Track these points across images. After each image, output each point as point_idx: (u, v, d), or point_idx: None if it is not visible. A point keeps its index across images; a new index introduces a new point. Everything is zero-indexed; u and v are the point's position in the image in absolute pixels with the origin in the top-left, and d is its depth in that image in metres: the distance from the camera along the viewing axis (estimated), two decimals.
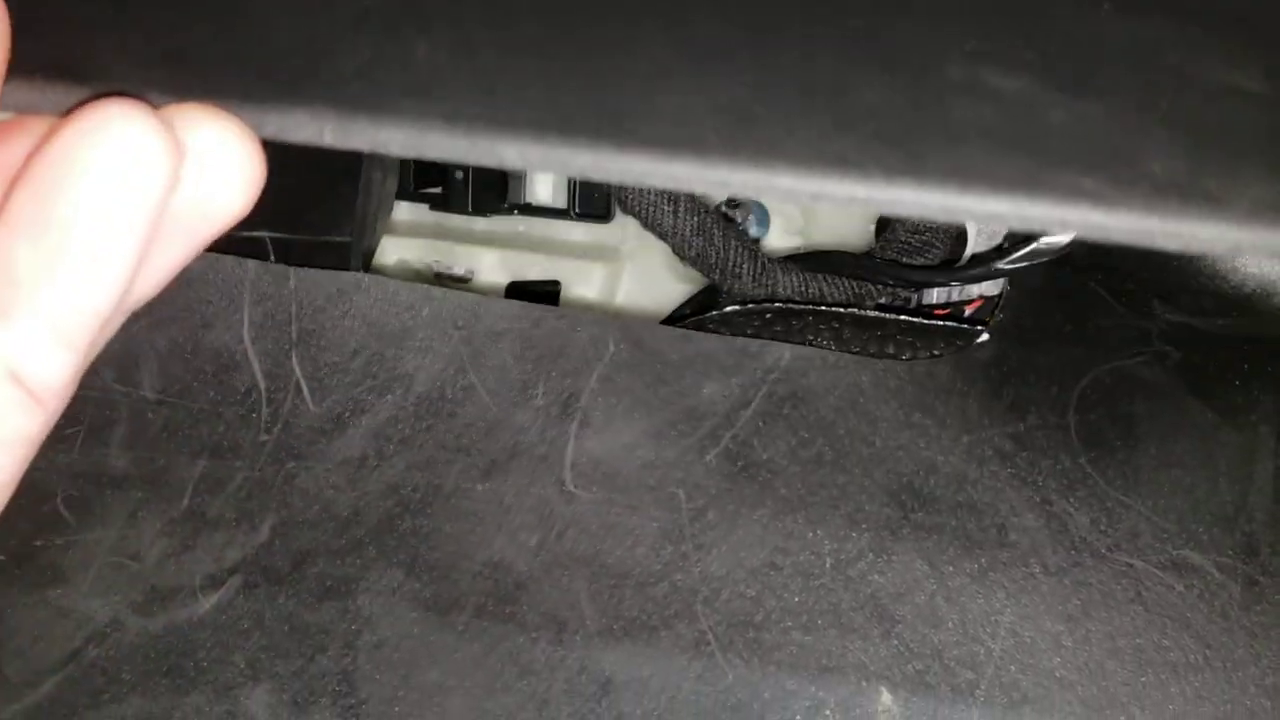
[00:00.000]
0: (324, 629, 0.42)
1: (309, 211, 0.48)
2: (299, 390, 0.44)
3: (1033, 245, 0.42)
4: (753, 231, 0.64)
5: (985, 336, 0.44)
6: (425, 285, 0.43)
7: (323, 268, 0.44)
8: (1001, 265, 0.43)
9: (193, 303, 0.43)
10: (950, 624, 0.41)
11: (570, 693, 0.40)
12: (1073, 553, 0.41)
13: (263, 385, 0.44)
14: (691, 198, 0.51)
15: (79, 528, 0.43)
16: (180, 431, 0.43)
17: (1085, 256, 0.44)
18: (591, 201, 0.60)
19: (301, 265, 0.44)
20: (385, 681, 0.41)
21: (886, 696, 0.39)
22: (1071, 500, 0.41)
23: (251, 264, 0.42)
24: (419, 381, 0.44)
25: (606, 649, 0.41)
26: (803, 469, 0.43)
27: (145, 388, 0.44)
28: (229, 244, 0.48)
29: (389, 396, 0.43)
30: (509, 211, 0.64)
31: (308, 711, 0.41)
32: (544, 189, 0.64)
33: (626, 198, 0.52)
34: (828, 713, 0.39)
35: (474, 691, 0.41)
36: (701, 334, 0.44)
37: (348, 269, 0.45)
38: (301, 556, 0.42)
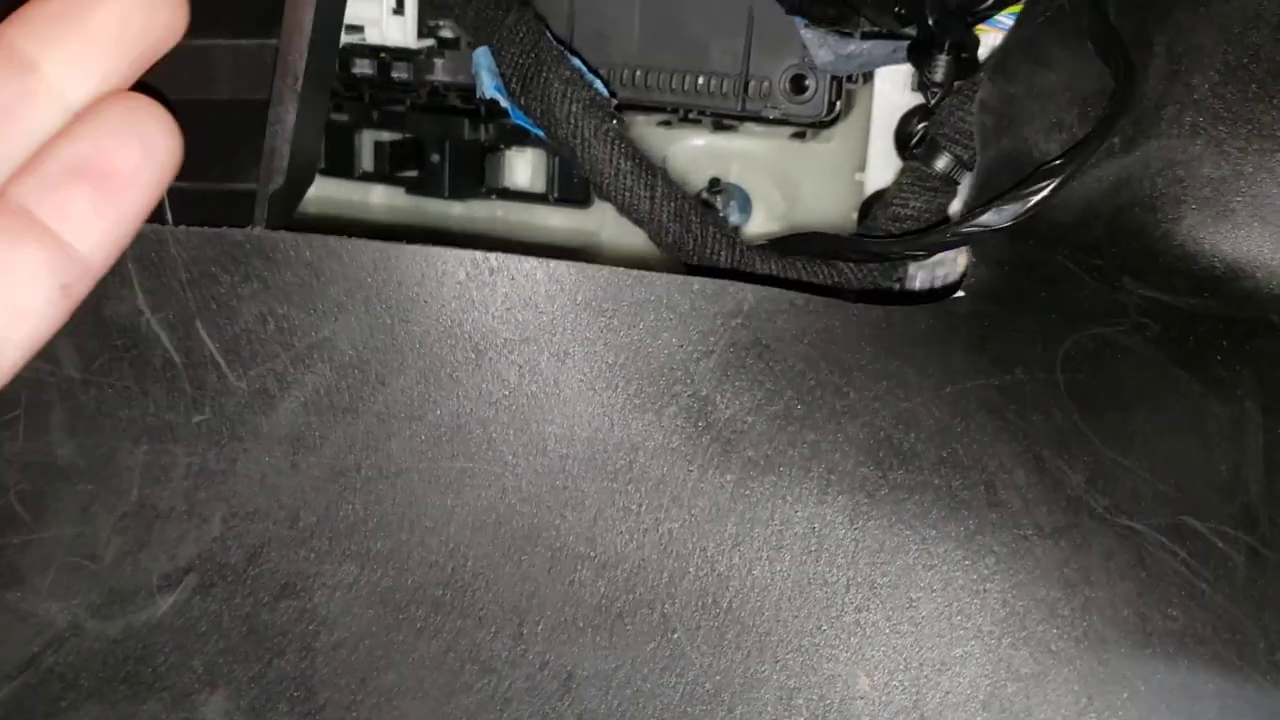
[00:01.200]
0: (281, 630, 0.39)
1: (207, 157, 0.43)
2: (216, 364, 0.40)
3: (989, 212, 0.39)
4: (733, 219, 0.60)
5: (961, 293, 0.40)
6: (329, 237, 0.38)
7: (226, 222, 0.39)
8: (962, 229, 0.40)
9: None
10: (935, 593, 0.37)
11: (531, 690, 0.38)
12: (1068, 513, 0.36)
13: (178, 360, 0.40)
14: (669, 182, 0.49)
15: (35, 525, 0.41)
16: (114, 414, 0.40)
17: (1048, 231, 0.40)
18: (570, 186, 0.57)
19: (205, 219, 0.39)
20: (343, 685, 0.39)
21: (865, 681, 0.36)
22: (1065, 457, 0.37)
23: None
24: (341, 348, 0.39)
25: (568, 641, 0.38)
26: (770, 426, 0.38)
27: (68, 366, 0.41)
28: None
29: (312, 366, 0.39)
30: (486, 196, 0.61)
31: (265, 718, 0.39)
32: (522, 173, 0.61)
33: (602, 182, 0.50)
34: (800, 701, 0.36)
35: (433, 694, 0.38)
36: (652, 275, 0.39)
37: (250, 222, 0.40)
38: (254, 550, 0.39)
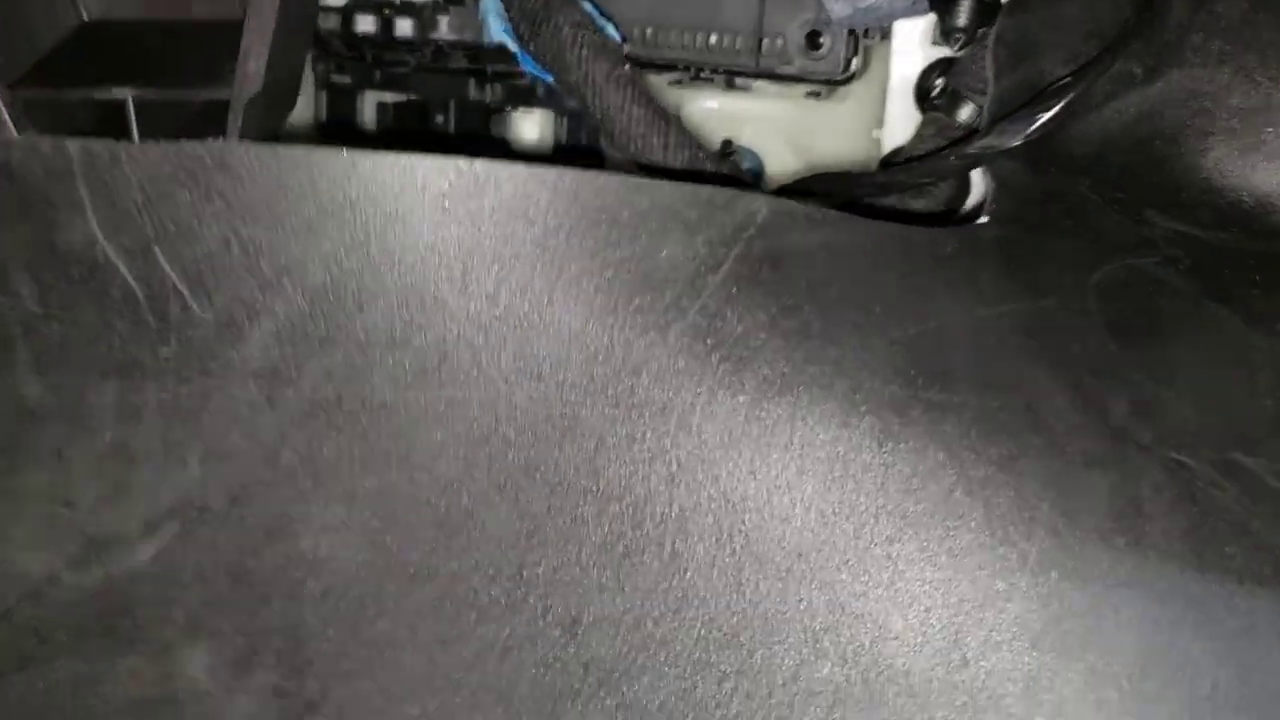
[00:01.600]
0: (267, 577, 0.36)
1: (178, 62, 0.39)
2: (179, 294, 0.37)
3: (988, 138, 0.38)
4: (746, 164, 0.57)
5: (986, 219, 0.38)
6: (295, 147, 0.35)
7: (198, 134, 0.36)
8: (969, 150, 0.39)
9: (29, 198, 0.36)
10: (975, 522, 0.34)
11: (533, 637, 0.35)
12: (1114, 443, 0.33)
13: (138, 291, 0.37)
14: (683, 130, 0.48)
15: (8, 471, 0.38)
16: (80, 350, 0.37)
17: (1068, 162, 0.39)
18: (580, 149, 0.56)
19: (175, 132, 0.36)
20: (332, 636, 0.36)
21: (898, 620, 0.33)
22: (1106, 386, 0.34)
23: (74, 145, 0.34)
24: (312, 271, 0.36)
25: (571, 583, 0.35)
26: (787, 343, 0.35)
27: (27, 299, 0.38)
28: (77, 109, 0.40)
29: (282, 292, 0.36)
30: (493, 159, 0.58)
31: (250, 672, 0.37)
32: (530, 134, 0.58)
33: (613, 129, 0.48)
34: (827, 643, 0.33)
35: (428, 643, 0.35)
36: (656, 182, 0.35)
37: (223, 135, 0.37)
38: (236, 493, 0.36)
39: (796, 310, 0.35)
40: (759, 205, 0.35)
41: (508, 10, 0.51)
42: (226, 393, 0.36)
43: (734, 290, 0.35)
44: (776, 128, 0.59)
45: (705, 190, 0.35)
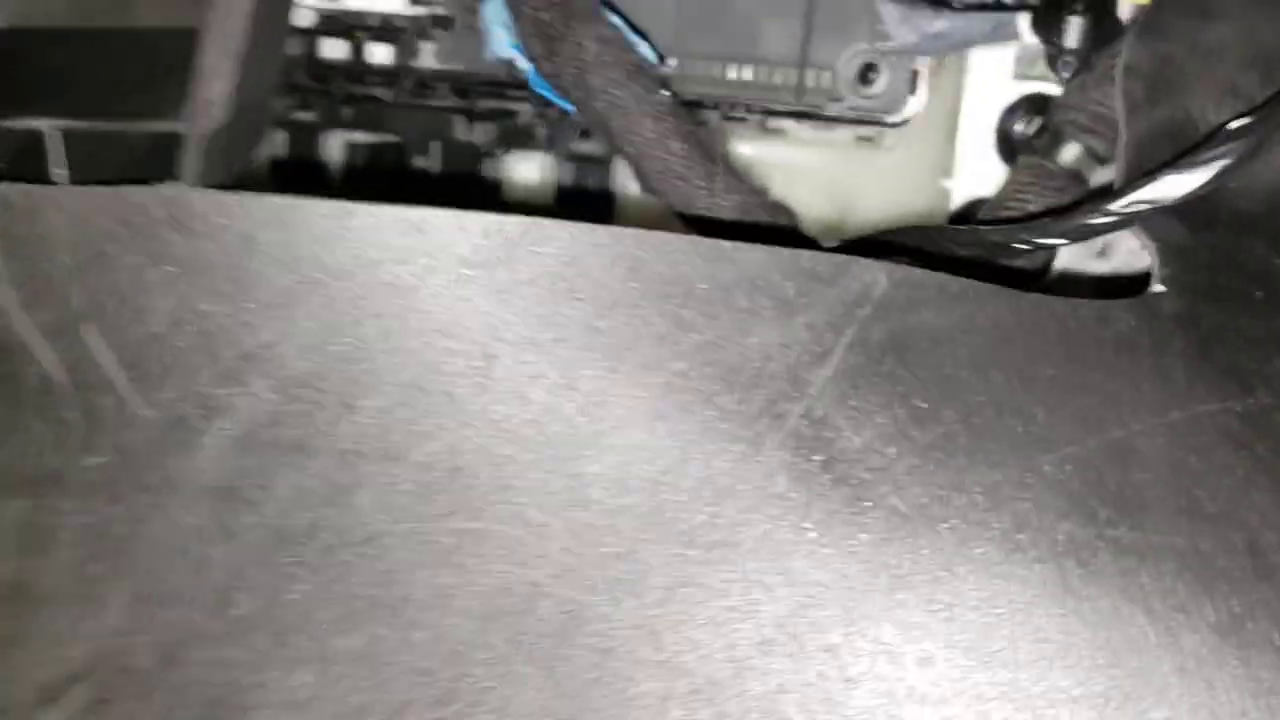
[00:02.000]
0: None
1: (116, 83, 0.32)
2: (113, 385, 0.29)
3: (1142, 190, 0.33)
4: None
5: (1162, 288, 0.32)
6: (271, 196, 0.28)
7: (143, 178, 0.31)
8: (1123, 204, 0.33)
9: None
10: (1199, 712, 0.25)
11: None
12: None
13: (61, 380, 0.30)
14: (733, 171, 0.44)
15: None
16: None
17: (1236, 216, 0.33)
18: (587, 197, 0.51)
19: (113, 174, 0.31)
20: None
21: None
22: None
23: None
24: (287, 357, 0.28)
25: None
26: (922, 462, 0.28)
27: None
28: None
29: (247, 385, 0.28)
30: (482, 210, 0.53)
31: None
32: (526, 180, 0.53)
33: (648, 170, 0.44)
34: None
35: None
36: (740, 247, 0.29)
37: (174, 178, 0.30)
38: (172, 648, 0.30)
39: (933, 417, 0.28)
40: (876, 275, 0.29)
41: (517, 22, 0.44)
42: (168, 516, 0.30)
43: (848, 389, 0.28)
44: (815, 178, 0.53)
45: (805, 257, 0.29)
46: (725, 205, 0.43)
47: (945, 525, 0.27)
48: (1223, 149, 0.32)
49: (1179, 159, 0.33)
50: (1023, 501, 0.27)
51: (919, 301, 0.29)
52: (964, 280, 0.29)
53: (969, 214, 0.50)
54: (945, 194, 0.50)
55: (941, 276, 0.29)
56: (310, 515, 0.30)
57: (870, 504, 0.27)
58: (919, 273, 0.29)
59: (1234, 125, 0.33)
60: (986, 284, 0.29)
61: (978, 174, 0.49)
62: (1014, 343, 0.28)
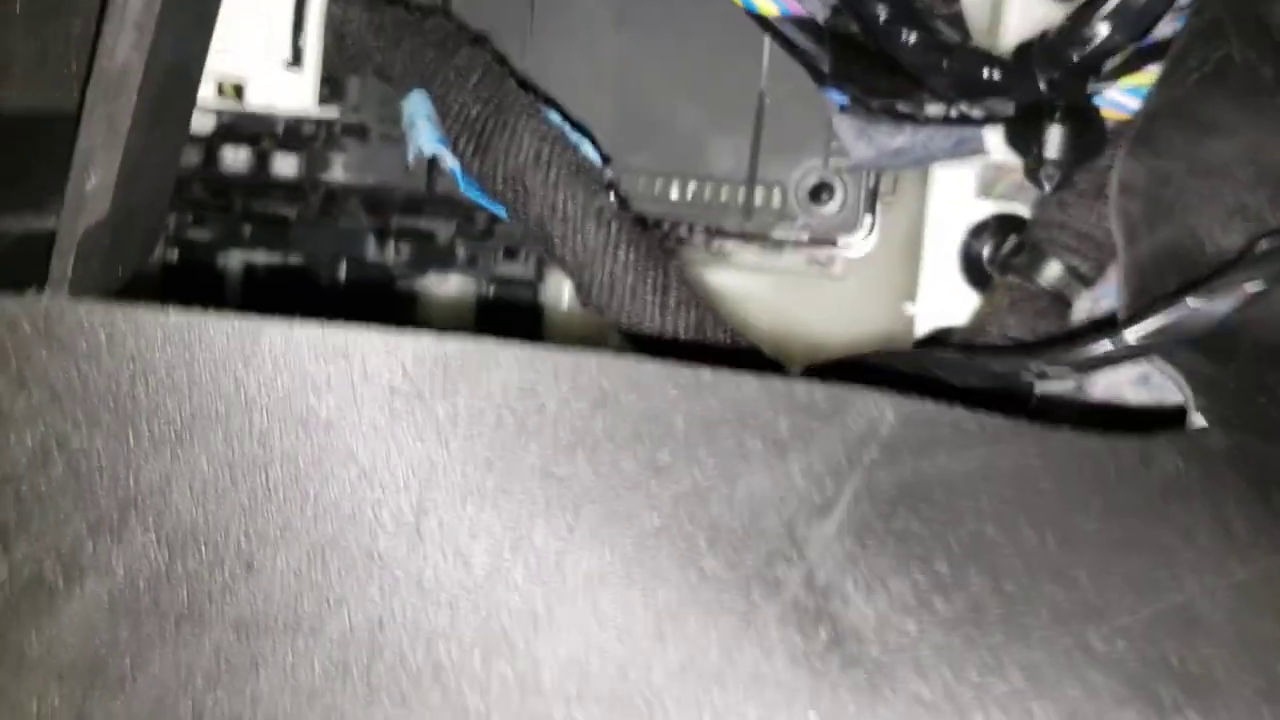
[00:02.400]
0: None
1: None
2: None
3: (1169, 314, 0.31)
4: None
5: (1203, 421, 0.29)
6: (162, 309, 0.23)
7: (6, 283, 0.26)
8: (1138, 334, 0.31)
9: None
10: None
11: None
12: None
13: None
14: (685, 283, 0.41)
15: None
16: None
17: (1256, 347, 0.31)
18: (512, 326, 0.47)
19: None
20: None
21: None
22: None
23: None
24: (176, 503, 0.24)
25: None
26: (946, 637, 0.23)
27: None
28: None
29: (125, 537, 0.23)
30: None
31: None
32: (443, 306, 0.49)
33: (590, 281, 0.40)
34: None
35: None
36: (725, 375, 0.24)
37: (46, 285, 0.25)
38: None
39: (958, 583, 0.23)
40: (883, 410, 0.24)
41: (443, 117, 0.40)
42: (12, 702, 0.25)
43: (856, 549, 0.23)
44: (764, 305, 0.50)
45: (799, 389, 0.24)
46: (679, 323, 0.38)
47: (980, 717, 0.22)
48: (1252, 271, 0.29)
49: (1204, 282, 0.30)
50: (1070, 684, 0.22)
51: (932, 442, 0.24)
52: (981, 415, 0.25)
53: (938, 340, 0.47)
54: (908, 319, 0.48)
55: (956, 411, 0.25)
56: (193, 699, 0.24)
57: (889, 691, 0.22)
58: (930, 406, 0.25)
59: (1264, 246, 0.30)
60: (1006, 419, 0.25)
61: (944, 296, 0.47)
62: (1046, 491, 0.24)
